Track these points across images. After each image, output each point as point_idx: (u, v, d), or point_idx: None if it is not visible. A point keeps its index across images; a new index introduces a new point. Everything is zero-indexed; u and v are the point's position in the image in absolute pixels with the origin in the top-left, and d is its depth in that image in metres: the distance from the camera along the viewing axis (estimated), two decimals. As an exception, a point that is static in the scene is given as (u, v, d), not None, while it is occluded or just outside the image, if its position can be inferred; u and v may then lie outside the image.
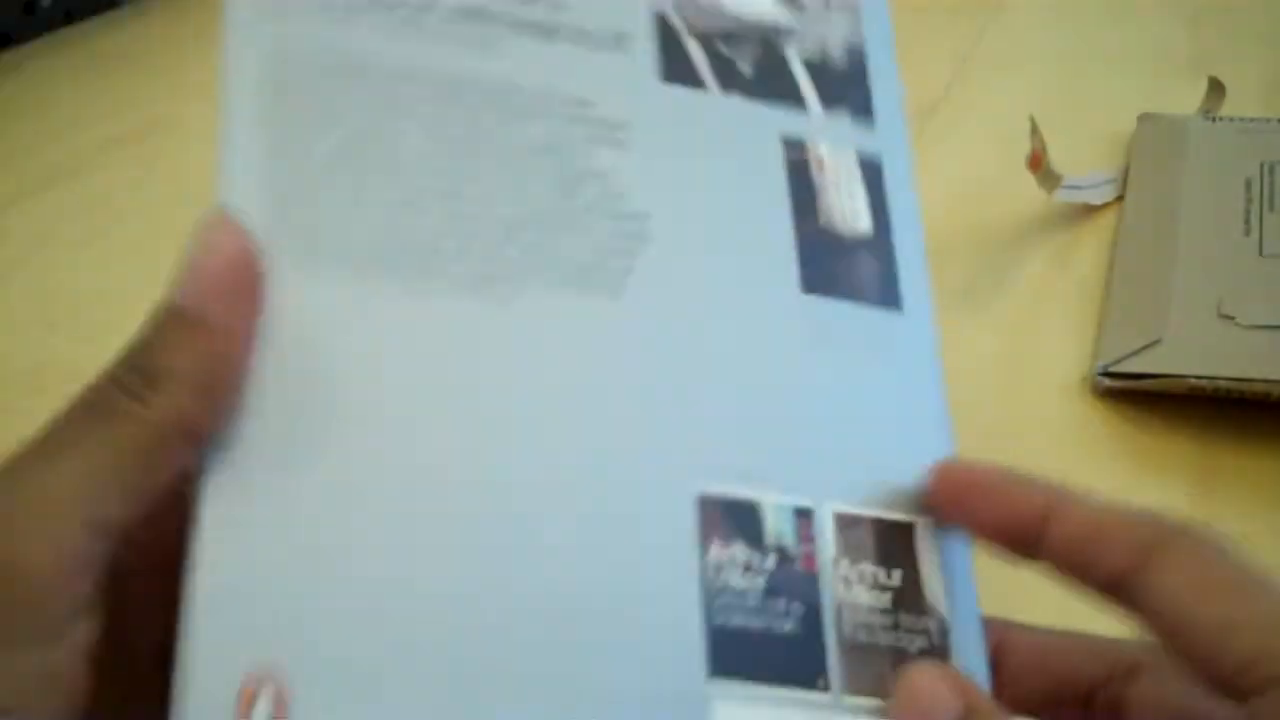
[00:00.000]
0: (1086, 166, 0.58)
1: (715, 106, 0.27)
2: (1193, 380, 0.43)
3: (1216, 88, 0.61)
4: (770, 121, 0.27)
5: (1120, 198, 0.57)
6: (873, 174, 0.28)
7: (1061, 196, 0.56)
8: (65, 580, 0.20)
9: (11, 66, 0.78)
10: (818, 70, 0.28)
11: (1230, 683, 0.21)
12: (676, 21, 0.27)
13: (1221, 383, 0.43)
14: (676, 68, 0.27)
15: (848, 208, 0.27)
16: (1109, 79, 0.68)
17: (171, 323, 0.22)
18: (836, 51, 0.29)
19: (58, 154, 0.69)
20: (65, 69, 0.79)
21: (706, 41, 0.27)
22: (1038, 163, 0.54)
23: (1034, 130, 0.54)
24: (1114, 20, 0.75)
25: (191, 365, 0.22)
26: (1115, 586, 0.23)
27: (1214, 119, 0.60)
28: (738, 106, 0.27)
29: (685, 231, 0.26)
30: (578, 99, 0.26)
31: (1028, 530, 0.24)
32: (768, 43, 0.28)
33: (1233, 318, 0.45)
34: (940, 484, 0.25)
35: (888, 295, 0.27)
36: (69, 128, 0.71)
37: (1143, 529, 0.23)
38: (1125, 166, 0.58)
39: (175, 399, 0.21)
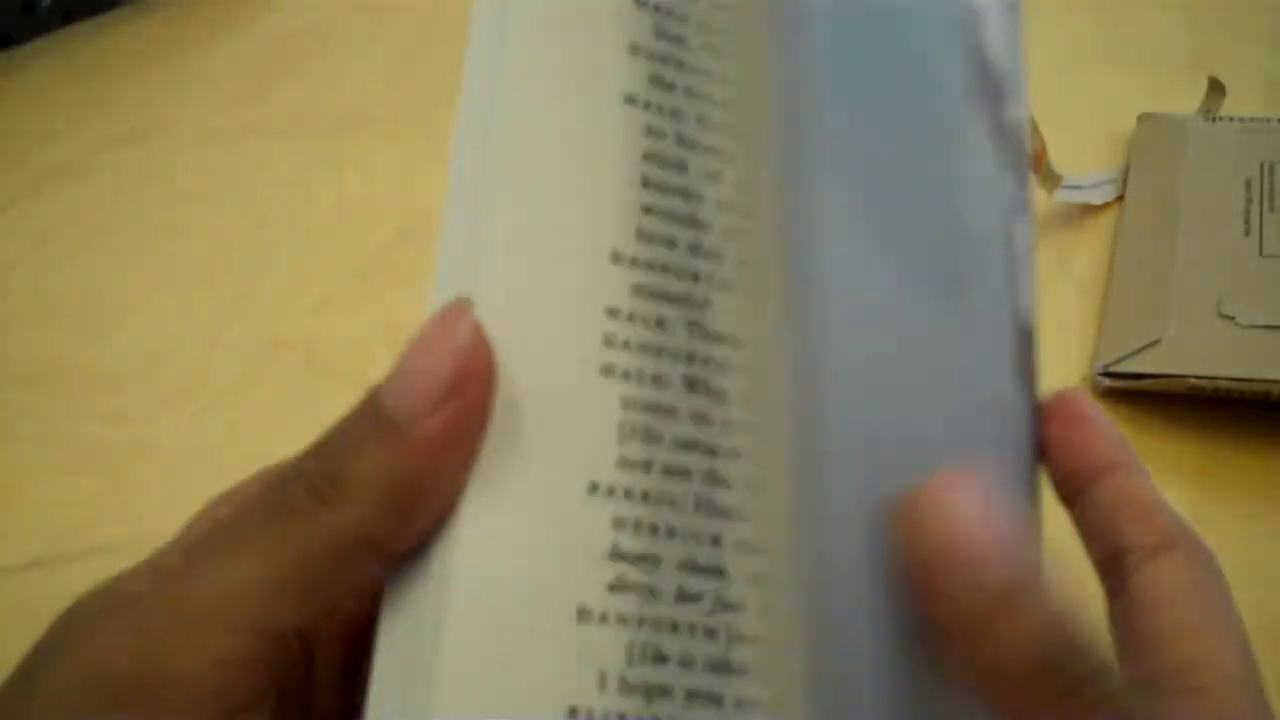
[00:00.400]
0: (1086, 166, 0.58)
1: None
2: (1193, 380, 0.43)
3: (1216, 88, 0.61)
4: None
5: (1120, 198, 0.57)
6: None
7: (1061, 196, 0.56)
8: (224, 687, 0.19)
9: (11, 66, 0.78)
10: None
11: (1165, 680, 0.21)
12: None
13: (1221, 383, 0.43)
14: None
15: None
16: (1109, 79, 0.68)
17: (369, 424, 0.19)
18: None
19: (58, 154, 0.69)
20: (65, 69, 0.79)
21: None
22: (1038, 163, 0.54)
23: (1034, 130, 0.54)
24: (1114, 20, 0.75)
25: (385, 477, 0.19)
26: (1115, 562, 0.23)
27: (1214, 119, 0.60)
28: None
29: None
30: None
31: (1085, 476, 0.24)
32: None
33: (1233, 318, 0.45)
34: (1058, 407, 0.24)
35: None
36: (69, 128, 0.71)
37: (1174, 526, 0.24)
38: (1125, 166, 0.58)
39: (362, 510, 0.19)
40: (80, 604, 0.21)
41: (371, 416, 0.19)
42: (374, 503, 0.19)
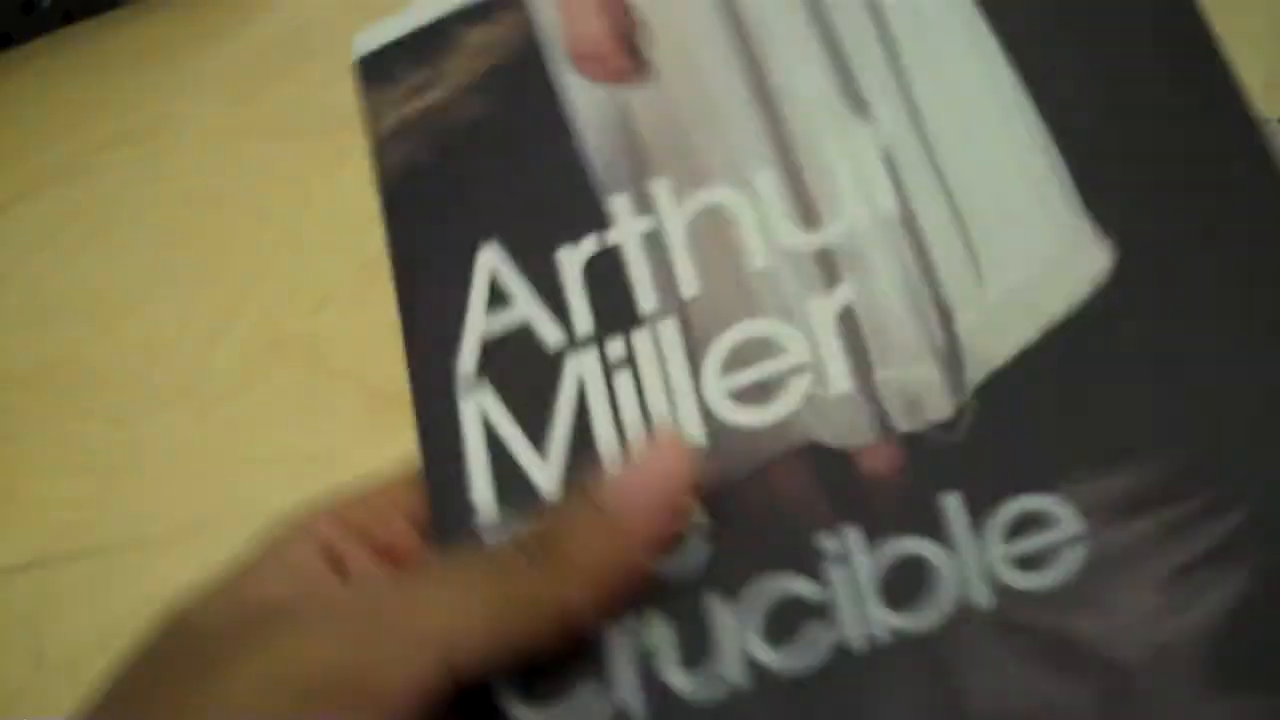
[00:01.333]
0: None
1: None
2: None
3: (1216, 88, 0.61)
4: None
5: (1120, 198, 0.57)
6: None
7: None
8: (410, 708, 0.20)
9: (11, 66, 0.79)
10: None
11: None
12: None
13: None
14: None
15: None
16: (1109, 79, 0.68)
17: (589, 516, 0.22)
18: None
19: (58, 154, 0.69)
20: (65, 69, 0.79)
21: None
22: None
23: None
24: (1114, 20, 0.75)
25: (593, 561, 0.22)
26: None
27: (1214, 119, 0.60)
28: None
29: None
30: None
31: None
32: None
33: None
34: None
35: None
36: (69, 128, 0.71)
37: None
38: (1125, 166, 0.58)
39: (567, 585, 0.21)
40: (229, 608, 0.22)
41: (593, 513, 0.22)
42: (580, 582, 0.21)
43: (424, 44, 0.29)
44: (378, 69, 0.29)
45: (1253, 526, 0.19)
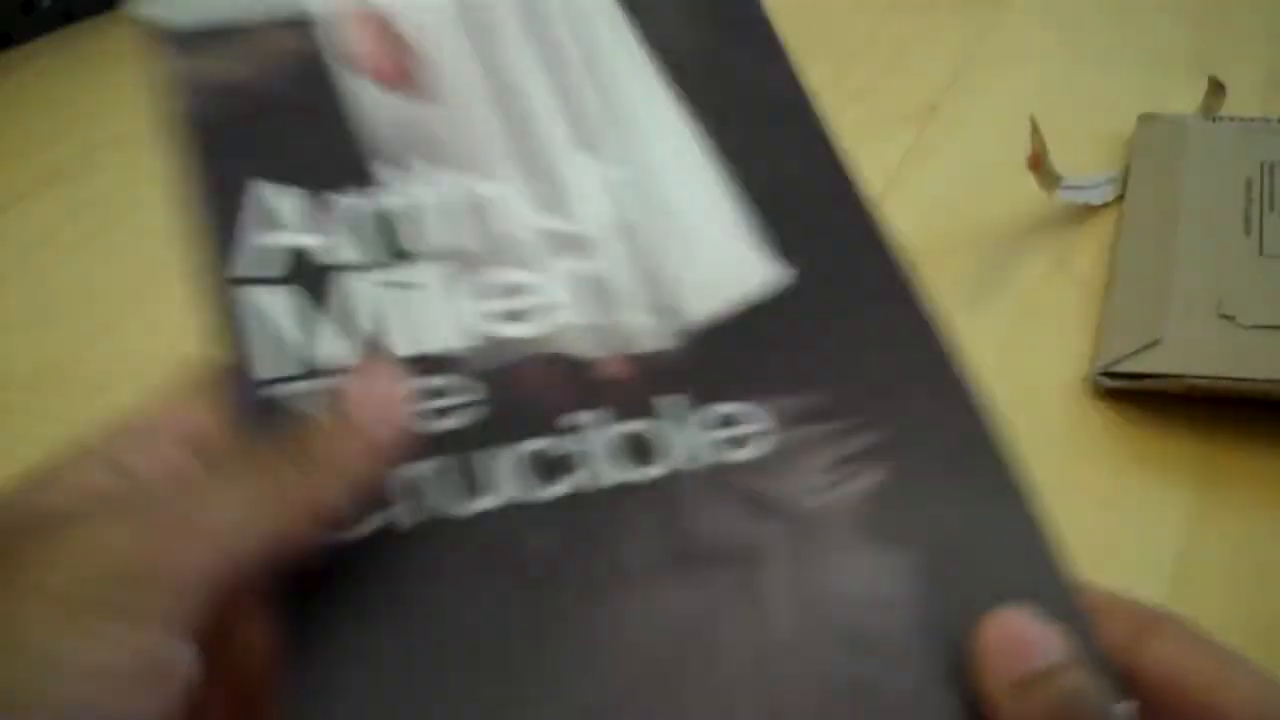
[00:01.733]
0: (1086, 166, 0.58)
1: None
2: (1192, 380, 0.43)
3: (1216, 88, 0.61)
4: None
5: (1120, 198, 0.57)
6: None
7: (1061, 196, 0.56)
8: (201, 601, 0.22)
9: (11, 66, 0.78)
10: None
11: None
12: None
13: (1221, 383, 0.43)
14: None
15: None
16: (1109, 79, 0.68)
17: (337, 422, 0.25)
18: None
19: (58, 154, 0.69)
20: (65, 69, 0.79)
21: None
22: (1038, 163, 0.54)
23: (1034, 130, 0.54)
24: (1114, 20, 0.75)
25: (342, 462, 0.24)
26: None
27: (1214, 119, 0.60)
28: None
29: None
30: None
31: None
32: None
33: (1233, 318, 0.45)
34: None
35: None
36: (69, 128, 0.71)
37: (1139, 610, 0.26)
38: (1125, 166, 0.58)
39: (323, 485, 0.24)
40: (21, 515, 0.24)
41: (340, 416, 0.25)
42: (340, 480, 0.24)
43: (230, 35, 0.33)
44: (186, 40, 0.34)
45: (886, 441, 0.28)
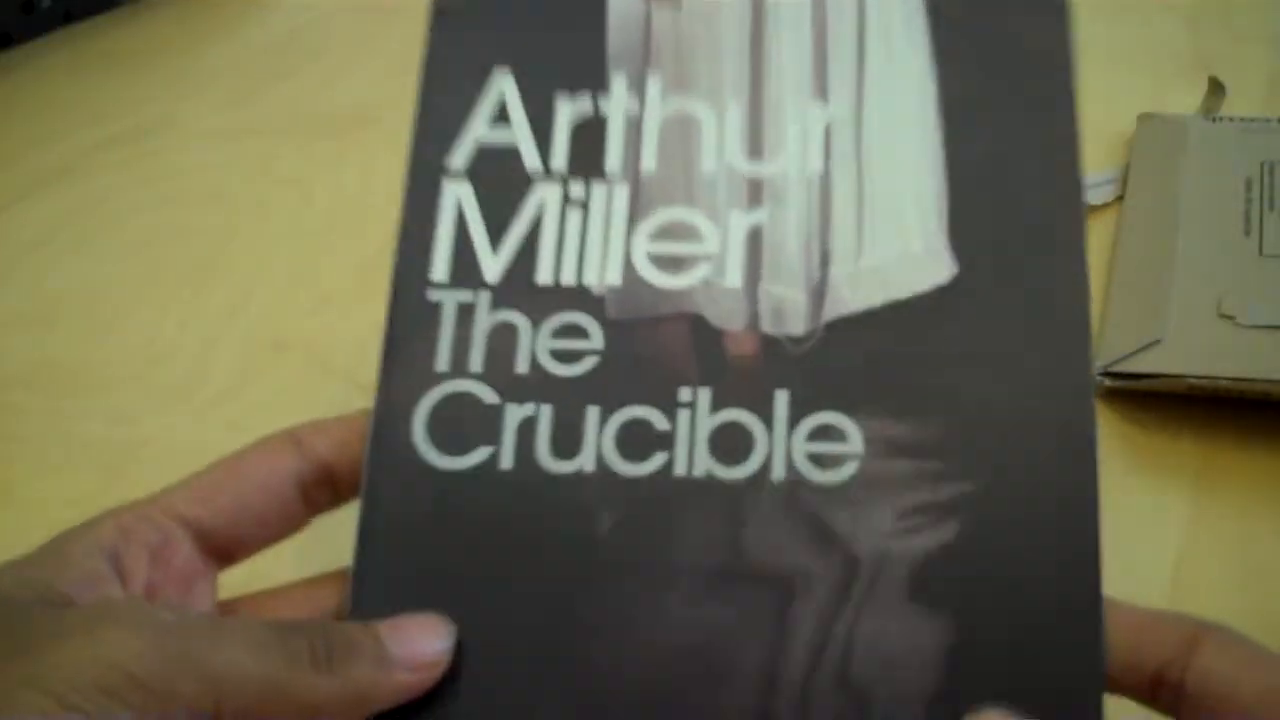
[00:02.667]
0: (1086, 166, 0.58)
1: None
2: (1193, 380, 0.43)
3: (1216, 88, 0.61)
4: None
5: (1120, 198, 0.57)
6: None
7: (1061, 196, 0.55)
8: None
9: (11, 66, 0.78)
10: None
11: None
12: None
13: (1221, 383, 0.43)
14: None
15: None
16: (1109, 79, 0.68)
17: (374, 648, 0.26)
18: None
19: (58, 154, 0.69)
20: (65, 69, 0.79)
21: None
22: (1038, 163, 0.54)
23: (1034, 130, 0.54)
24: (1114, 20, 0.75)
25: (360, 691, 0.25)
26: (1159, 680, 0.25)
27: (1214, 119, 0.60)
28: None
29: None
30: None
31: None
32: None
33: (1233, 318, 0.45)
34: None
35: None
36: (69, 128, 0.71)
37: (1184, 625, 0.26)
38: (1125, 166, 0.58)
39: (330, 701, 0.25)
40: (31, 591, 0.25)
41: (374, 640, 0.26)
42: (343, 698, 0.25)
43: None
44: None
45: (971, 498, 0.27)
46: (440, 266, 0.30)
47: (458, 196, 0.31)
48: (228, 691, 0.23)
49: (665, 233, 0.30)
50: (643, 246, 0.30)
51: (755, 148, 0.31)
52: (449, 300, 0.30)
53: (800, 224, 0.30)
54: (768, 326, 0.29)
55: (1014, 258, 0.29)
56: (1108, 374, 0.45)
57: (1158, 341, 0.45)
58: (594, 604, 0.27)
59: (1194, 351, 0.44)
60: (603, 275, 0.30)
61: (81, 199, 0.64)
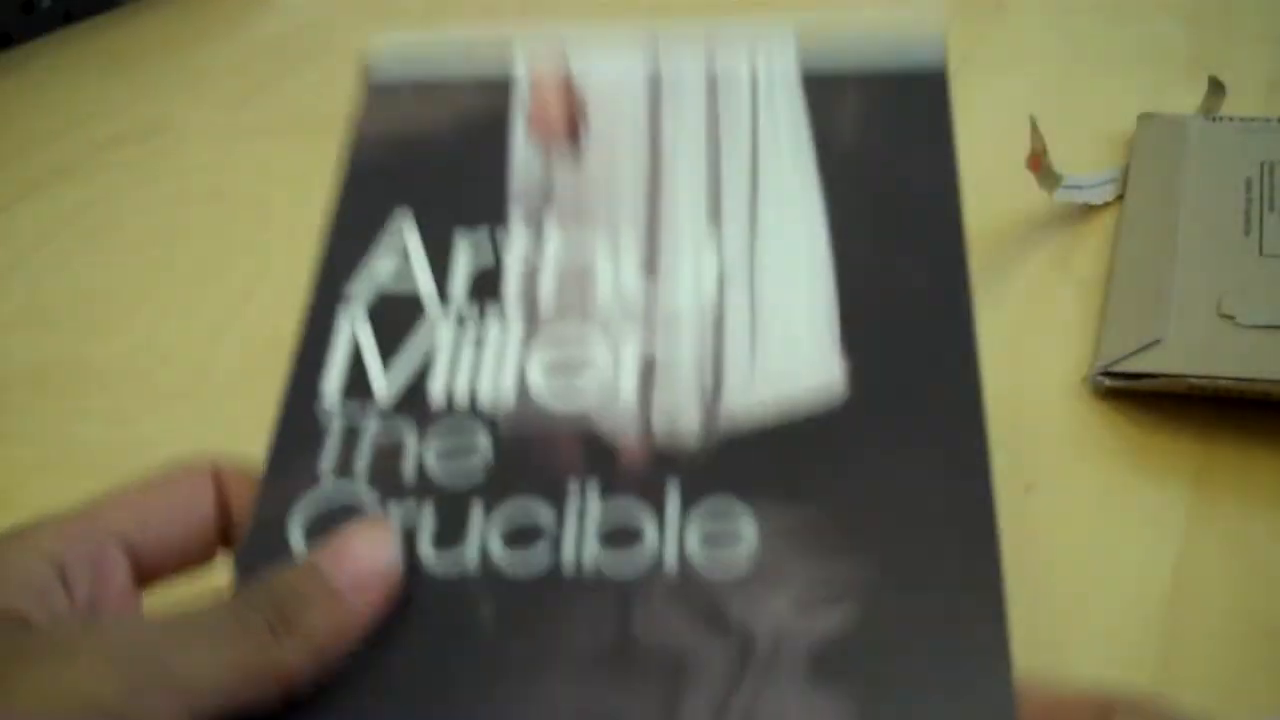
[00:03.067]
0: (1086, 166, 0.58)
1: None
2: (1193, 380, 0.43)
3: (1216, 88, 0.61)
4: None
5: (1120, 198, 0.57)
6: None
7: (1061, 196, 0.56)
8: None
9: (11, 66, 0.79)
10: None
11: None
12: None
13: (1221, 382, 0.43)
14: None
15: None
16: (1109, 79, 0.68)
17: (318, 588, 0.26)
18: None
19: (58, 154, 0.69)
20: (65, 69, 0.79)
21: None
22: (1038, 163, 0.54)
23: (1034, 130, 0.54)
24: (1114, 20, 0.75)
25: (319, 632, 0.25)
26: None
27: (1214, 119, 0.60)
28: None
29: None
30: None
31: None
32: None
33: (1233, 318, 0.45)
34: None
35: None
36: (69, 128, 0.71)
37: (1095, 700, 0.25)
38: (1125, 166, 0.58)
39: (295, 654, 0.25)
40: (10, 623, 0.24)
41: (321, 586, 0.25)
42: (308, 648, 0.25)
43: (432, 89, 0.37)
44: (380, 90, 0.37)
45: (872, 580, 0.27)
46: (333, 383, 0.31)
47: (353, 322, 0.32)
48: (201, 697, 0.23)
49: (560, 358, 0.31)
50: (537, 371, 0.31)
51: (650, 278, 0.32)
52: (338, 413, 0.30)
53: (694, 345, 0.31)
54: (661, 437, 0.29)
55: (905, 364, 0.30)
56: (1108, 374, 0.45)
57: (1158, 341, 0.44)
58: (479, 693, 0.26)
59: (1194, 351, 0.44)
60: (496, 397, 0.30)
61: (81, 199, 0.64)
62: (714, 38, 0.37)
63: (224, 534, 0.30)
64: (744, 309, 0.31)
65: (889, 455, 0.28)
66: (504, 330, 0.31)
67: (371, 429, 0.30)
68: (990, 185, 0.59)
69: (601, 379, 0.30)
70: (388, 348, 0.31)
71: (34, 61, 0.79)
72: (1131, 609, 0.37)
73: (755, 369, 0.30)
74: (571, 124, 0.35)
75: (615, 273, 0.32)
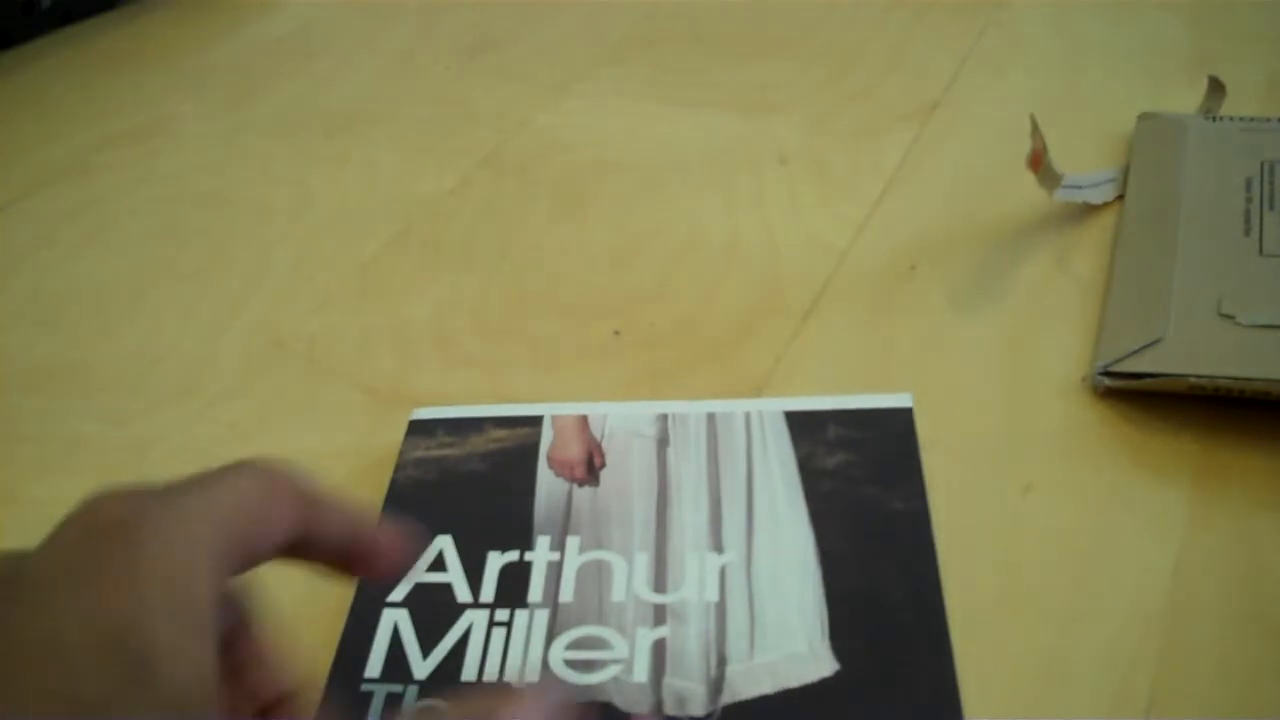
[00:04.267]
0: (1086, 166, 0.58)
1: None
2: (1193, 380, 0.43)
3: (1216, 88, 0.61)
4: None
5: (1120, 197, 0.57)
6: None
7: (1061, 196, 0.56)
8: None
9: (11, 66, 0.79)
10: None
11: None
12: None
13: (1221, 382, 0.43)
14: None
15: None
16: (1109, 79, 0.68)
17: None
18: None
19: (58, 154, 0.69)
20: (65, 69, 0.79)
21: None
22: (1038, 162, 0.54)
23: (1034, 130, 0.54)
24: (1114, 20, 0.75)
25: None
26: None
27: (1214, 119, 0.60)
28: None
29: None
30: None
31: None
32: None
33: (1233, 317, 0.45)
34: None
35: None
36: (69, 128, 0.71)
37: None
38: (1125, 166, 0.58)
39: None
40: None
41: None
42: None
43: (459, 424, 0.45)
44: (421, 427, 0.45)
45: None
46: (375, 667, 0.36)
47: (395, 619, 0.37)
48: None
49: (579, 643, 0.36)
50: (559, 654, 0.36)
51: (659, 585, 0.38)
52: (379, 690, 0.35)
53: (699, 635, 0.36)
54: (671, 709, 0.34)
55: (887, 654, 0.35)
56: (1108, 374, 0.45)
57: (1158, 341, 0.44)
58: None
59: (1194, 351, 0.44)
60: (522, 676, 0.35)
61: (81, 199, 0.64)
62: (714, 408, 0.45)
63: (283, 553, 0.28)
64: (743, 606, 0.37)
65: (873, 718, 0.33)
66: (530, 620, 0.37)
67: (409, 703, 0.35)
68: (990, 185, 0.59)
69: (617, 655, 0.36)
70: (425, 634, 0.37)
71: (34, 61, 0.79)
72: (1131, 609, 0.37)
73: (754, 649, 0.36)
74: (588, 462, 0.43)
75: (629, 578, 0.38)
